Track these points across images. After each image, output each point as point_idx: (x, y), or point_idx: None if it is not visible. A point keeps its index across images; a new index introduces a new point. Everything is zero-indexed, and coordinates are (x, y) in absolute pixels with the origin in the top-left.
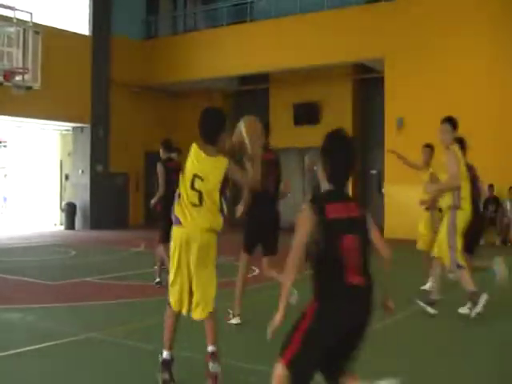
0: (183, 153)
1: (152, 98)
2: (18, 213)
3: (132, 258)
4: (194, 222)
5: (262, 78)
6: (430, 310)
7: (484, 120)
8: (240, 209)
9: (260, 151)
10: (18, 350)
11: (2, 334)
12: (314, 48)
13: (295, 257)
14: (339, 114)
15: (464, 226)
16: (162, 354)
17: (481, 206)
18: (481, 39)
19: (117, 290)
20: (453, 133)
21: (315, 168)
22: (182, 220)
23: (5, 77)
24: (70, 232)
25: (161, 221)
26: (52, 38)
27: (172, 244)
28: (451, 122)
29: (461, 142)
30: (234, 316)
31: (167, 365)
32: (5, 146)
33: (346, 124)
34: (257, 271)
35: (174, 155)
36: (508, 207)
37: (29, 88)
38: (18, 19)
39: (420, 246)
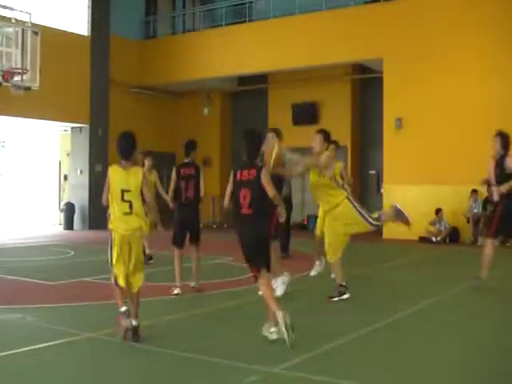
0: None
1: (151, 98)
2: (16, 213)
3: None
4: (126, 227)
5: (261, 78)
6: None
7: (484, 120)
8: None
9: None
10: (18, 350)
11: (1, 334)
12: (313, 48)
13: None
14: (338, 114)
15: None
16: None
17: None
18: (480, 39)
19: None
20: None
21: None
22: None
23: (4, 77)
24: (69, 232)
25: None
26: (51, 39)
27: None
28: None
29: None
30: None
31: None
32: (3, 147)
33: (345, 124)
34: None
35: (188, 160)
36: None
37: (27, 88)
38: (16, 19)
39: None
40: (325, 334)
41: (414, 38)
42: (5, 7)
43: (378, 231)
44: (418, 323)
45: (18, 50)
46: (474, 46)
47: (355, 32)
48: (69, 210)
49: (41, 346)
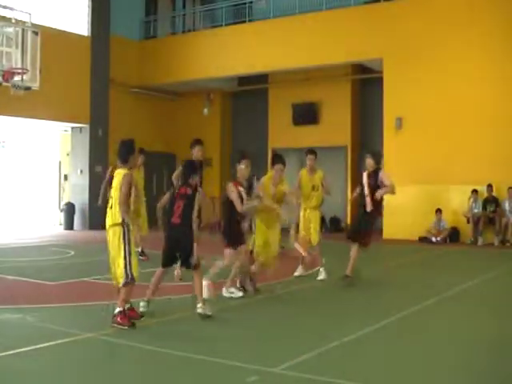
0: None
1: (151, 98)
2: (16, 213)
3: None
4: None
5: (261, 79)
6: None
7: (483, 121)
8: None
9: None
10: (18, 350)
11: (1, 334)
12: (313, 48)
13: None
14: (338, 115)
15: None
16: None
17: None
18: (480, 39)
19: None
20: None
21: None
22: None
23: (4, 77)
24: (69, 232)
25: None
26: (51, 39)
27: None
28: None
29: None
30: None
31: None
32: (3, 147)
33: (345, 124)
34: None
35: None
36: (507, 207)
37: (28, 88)
38: (16, 19)
39: None
40: (325, 334)
41: (414, 37)
42: (5, 7)
43: (378, 231)
44: (418, 323)
45: (18, 50)
46: (474, 46)
47: (355, 32)
48: (69, 210)
49: (41, 346)
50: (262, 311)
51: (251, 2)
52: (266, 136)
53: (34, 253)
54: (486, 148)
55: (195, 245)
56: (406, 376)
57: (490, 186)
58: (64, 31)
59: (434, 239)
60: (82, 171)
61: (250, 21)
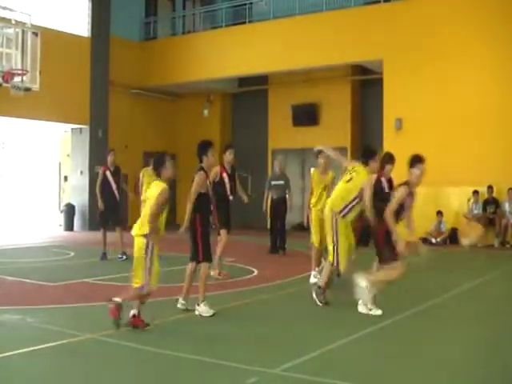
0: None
1: (151, 100)
2: (16, 214)
3: (131, 259)
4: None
5: (261, 80)
6: None
7: (483, 121)
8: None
9: None
10: (18, 351)
11: (1, 335)
12: (313, 49)
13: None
14: (338, 115)
15: None
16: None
17: None
18: (480, 40)
19: (116, 291)
20: None
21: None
22: None
23: (4, 78)
24: (69, 233)
25: None
26: (51, 40)
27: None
28: None
29: None
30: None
31: None
32: (3, 148)
33: (345, 125)
34: (256, 272)
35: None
36: (507, 208)
37: (27, 89)
38: (16, 20)
39: None
40: (325, 334)
41: (414, 38)
42: (5, 8)
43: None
44: (418, 324)
45: (18, 51)
46: (474, 47)
47: (355, 33)
48: (69, 211)
49: (41, 346)
50: (262, 312)
51: (251, 3)
52: (265, 137)
53: (34, 254)
54: (486, 149)
55: None
56: (406, 376)
57: (490, 188)
58: (64, 32)
59: (433, 240)
60: (82, 172)
61: (249, 22)
